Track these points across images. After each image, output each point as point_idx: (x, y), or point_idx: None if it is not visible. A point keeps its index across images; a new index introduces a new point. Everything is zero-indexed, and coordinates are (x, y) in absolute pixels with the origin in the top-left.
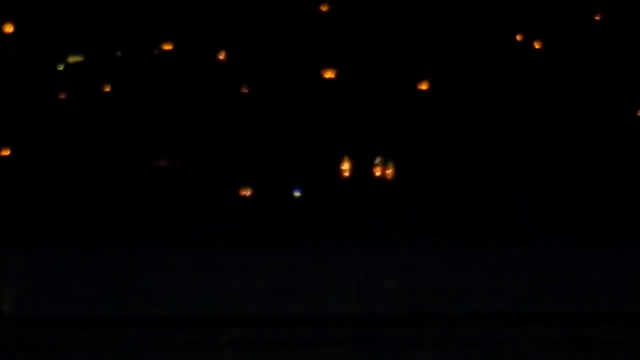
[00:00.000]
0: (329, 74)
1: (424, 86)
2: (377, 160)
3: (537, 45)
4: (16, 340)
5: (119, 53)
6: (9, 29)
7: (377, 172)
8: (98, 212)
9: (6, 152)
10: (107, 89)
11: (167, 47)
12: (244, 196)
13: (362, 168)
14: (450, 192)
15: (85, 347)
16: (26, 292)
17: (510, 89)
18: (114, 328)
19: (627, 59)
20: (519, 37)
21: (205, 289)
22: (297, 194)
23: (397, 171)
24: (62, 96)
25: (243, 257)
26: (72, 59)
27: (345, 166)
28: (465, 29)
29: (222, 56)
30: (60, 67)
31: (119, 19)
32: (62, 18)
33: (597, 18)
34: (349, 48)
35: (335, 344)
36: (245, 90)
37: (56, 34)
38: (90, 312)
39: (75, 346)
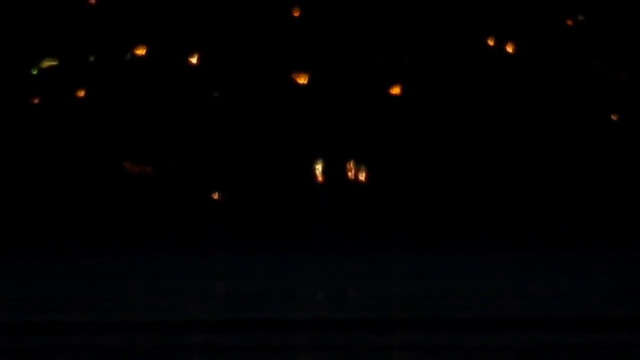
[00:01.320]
0: (301, 79)
1: (396, 90)
2: (351, 164)
3: (509, 49)
4: None
5: (92, 58)
6: None
7: (350, 176)
8: (69, 217)
9: None
10: (81, 93)
11: (140, 51)
12: (215, 200)
13: (335, 172)
14: (425, 196)
15: (57, 354)
16: None
17: (483, 92)
18: (81, 334)
19: (599, 64)
20: (491, 42)
21: (174, 293)
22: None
23: (370, 175)
24: (36, 100)
25: (213, 261)
26: (46, 63)
27: (319, 170)
28: (437, 33)
29: (194, 60)
30: (34, 72)
31: (92, 23)
32: (36, 22)
33: (569, 23)
34: (321, 52)
35: (301, 350)
36: (216, 94)
37: (30, 39)
38: (58, 317)
39: (46, 352)
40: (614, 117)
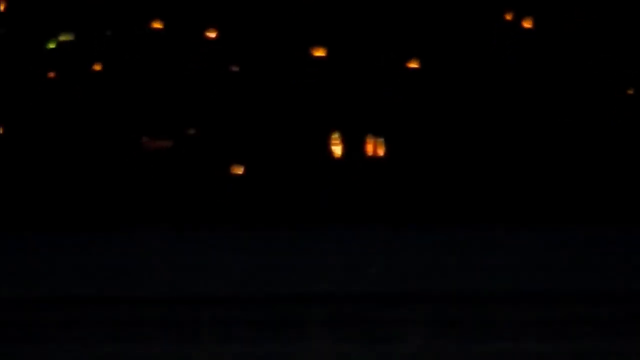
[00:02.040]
0: (319, 53)
1: (414, 64)
2: (369, 138)
3: (527, 25)
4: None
5: (109, 32)
6: (0, 7)
7: (369, 150)
8: (86, 192)
9: None
10: (97, 67)
11: (157, 25)
12: (236, 175)
13: (353, 146)
14: (443, 173)
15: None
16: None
17: (501, 68)
18: (95, 307)
19: (620, 40)
20: (509, 17)
21: (194, 268)
22: None
23: (388, 150)
24: (52, 74)
25: (234, 236)
26: (62, 38)
27: (337, 145)
28: (457, 7)
29: (212, 34)
30: (52, 46)
31: None
32: None
33: None
34: (339, 26)
35: (319, 322)
36: (235, 68)
37: (47, 13)
38: (74, 291)
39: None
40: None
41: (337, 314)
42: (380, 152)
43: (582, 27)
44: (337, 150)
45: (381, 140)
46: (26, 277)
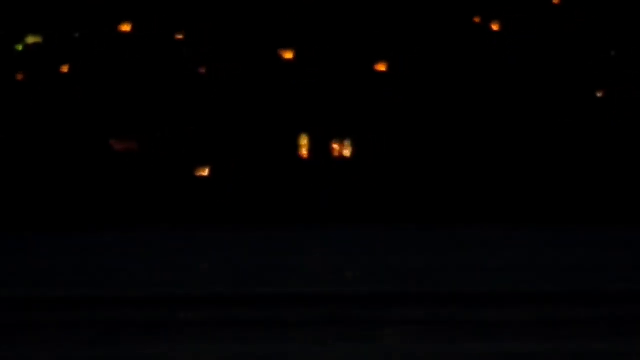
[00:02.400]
0: (287, 55)
1: (381, 67)
2: (336, 140)
3: (495, 27)
4: None
5: (77, 34)
6: None
7: (336, 151)
8: (53, 194)
9: None
10: (65, 69)
11: (125, 28)
12: (201, 176)
13: (320, 147)
14: (410, 172)
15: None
16: None
17: (468, 69)
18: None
19: (583, 42)
20: (477, 19)
21: (165, 269)
22: None
23: (355, 151)
24: (20, 77)
25: (200, 237)
26: (30, 40)
27: (304, 146)
28: (424, 10)
29: (180, 36)
30: (19, 48)
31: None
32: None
33: (556, 1)
34: (307, 28)
35: (301, 323)
36: (202, 70)
37: (14, 16)
38: (52, 292)
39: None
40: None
41: (325, 315)
42: (347, 153)
43: (553, 29)
44: (304, 151)
45: (349, 141)
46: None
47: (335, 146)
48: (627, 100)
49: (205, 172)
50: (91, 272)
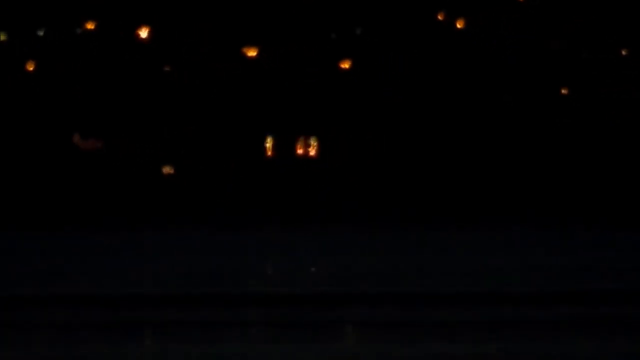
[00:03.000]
0: (251, 52)
1: (345, 65)
2: (301, 139)
3: (459, 25)
4: None
5: (41, 32)
6: None
7: (300, 151)
8: (18, 194)
9: None
10: (30, 67)
11: (90, 26)
12: (166, 175)
13: (285, 147)
14: (374, 170)
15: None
16: None
17: (433, 67)
18: (42, 307)
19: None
20: (440, 17)
21: (126, 270)
22: None
23: (320, 149)
24: None
25: (165, 237)
26: None
27: (269, 145)
28: (388, 7)
29: (144, 34)
30: None
31: None
32: None
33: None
34: (271, 26)
35: (257, 324)
36: (167, 68)
37: None
38: (21, 291)
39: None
40: (564, 92)
41: (276, 315)
42: (313, 151)
43: (515, 27)
44: (269, 150)
45: (314, 139)
46: None
47: (301, 144)
48: (592, 98)
49: (169, 171)
50: (53, 272)
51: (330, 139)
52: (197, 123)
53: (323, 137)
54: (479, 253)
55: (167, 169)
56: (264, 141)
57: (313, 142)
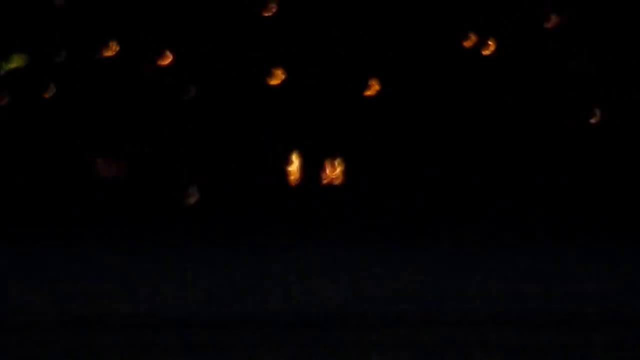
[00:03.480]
0: (275, 79)
1: (372, 90)
2: (328, 162)
3: (487, 50)
4: None
5: (61, 56)
6: None
7: (327, 176)
8: (40, 218)
9: None
10: (50, 94)
11: (111, 51)
12: (190, 202)
13: (311, 171)
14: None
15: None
16: None
17: (461, 93)
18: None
19: (579, 66)
20: (469, 42)
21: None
22: None
23: (347, 175)
24: (4, 102)
25: (189, 260)
26: (13, 63)
27: (294, 169)
28: (416, 33)
29: (167, 60)
30: (1, 71)
31: (62, 21)
32: (2, 20)
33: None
34: (296, 52)
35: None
36: (192, 93)
37: None
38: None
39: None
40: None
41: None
42: (339, 177)
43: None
44: (294, 175)
45: (341, 163)
46: None
47: (327, 169)
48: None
49: (193, 196)
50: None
51: (357, 164)
52: (220, 148)
53: (350, 162)
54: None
55: (190, 195)
56: (288, 166)
57: (339, 166)
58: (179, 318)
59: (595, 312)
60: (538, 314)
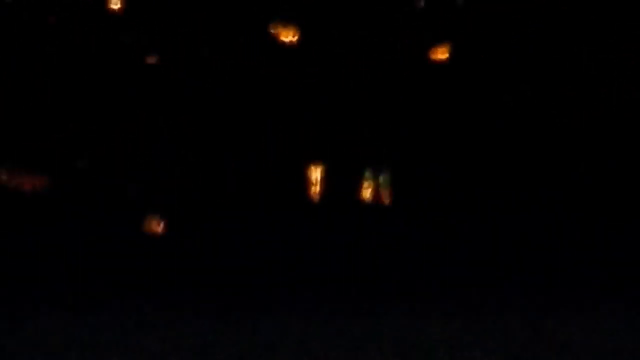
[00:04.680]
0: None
1: (442, 54)
2: (367, 176)
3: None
4: None
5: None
6: None
7: (367, 193)
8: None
9: None
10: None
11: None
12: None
13: (342, 186)
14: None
15: None
16: None
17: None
18: None
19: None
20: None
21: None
22: None
23: (394, 193)
24: None
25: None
26: None
27: (315, 183)
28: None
29: (152, 60)
30: None
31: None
32: None
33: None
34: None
35: None
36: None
37: None
38: None
39: None
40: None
41: None
42: (385, 197)
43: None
44: (316, 193)
45: (385, 179)
46: None
47: (364, 185)
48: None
49: (162, 226)
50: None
51: (406, 178)
52: (225, 153)
53: (398, 174)
54: None
55: (155, 225)
56: (308, 177)
57: (384, 182)
58: None
59: None
60: None
